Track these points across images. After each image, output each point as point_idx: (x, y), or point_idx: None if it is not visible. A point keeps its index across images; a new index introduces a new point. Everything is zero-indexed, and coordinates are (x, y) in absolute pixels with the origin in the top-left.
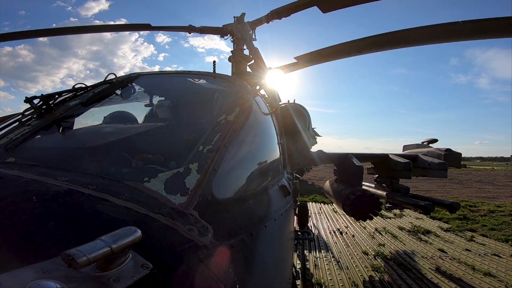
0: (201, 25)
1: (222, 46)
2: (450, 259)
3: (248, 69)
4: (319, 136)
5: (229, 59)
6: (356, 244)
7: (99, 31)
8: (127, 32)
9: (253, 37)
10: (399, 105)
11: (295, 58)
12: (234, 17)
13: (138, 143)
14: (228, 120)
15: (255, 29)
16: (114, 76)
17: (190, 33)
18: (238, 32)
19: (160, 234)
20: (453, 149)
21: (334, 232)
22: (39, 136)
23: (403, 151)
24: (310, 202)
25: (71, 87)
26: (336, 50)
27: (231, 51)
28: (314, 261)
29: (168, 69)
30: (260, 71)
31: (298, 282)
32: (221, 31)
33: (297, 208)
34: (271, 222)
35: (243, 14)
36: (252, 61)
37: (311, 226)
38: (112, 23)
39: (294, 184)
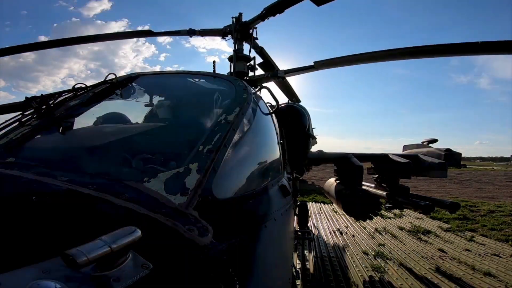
0: (202, 27)
1: (223, 46)
2: (450, 259)
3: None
4: (314, 137)
5: (229, 59)
6: (356, 244)
7: (100, 40)
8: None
9: (255, 36)
10: (399, 105)
11: (314, 62)
12: (232, 17)
13: (138, 143)
14: (228, 120)
15: (255, 28)
16: (114, 76)
17: (191, 36)
18: (237, 32)
19: (160, 234)
20: (453, 149)
21: (334, 232)
22: (39, 136)
23: (403, 151)
24: (310, 202)
25: (71, 87)
26: (351, 59)
27: (233, 51)
28: (314, 261)
29: (169, 69)
30: (265, 70)
31: (298, 282)
32: (221, 32)
33: (297, 208)
34: (271, 222)
35: (241, 14)
36: (252, 61)
37: (311, 226)
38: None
39: (294, 184)
